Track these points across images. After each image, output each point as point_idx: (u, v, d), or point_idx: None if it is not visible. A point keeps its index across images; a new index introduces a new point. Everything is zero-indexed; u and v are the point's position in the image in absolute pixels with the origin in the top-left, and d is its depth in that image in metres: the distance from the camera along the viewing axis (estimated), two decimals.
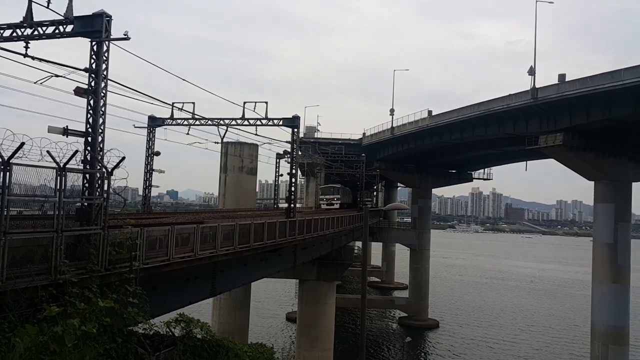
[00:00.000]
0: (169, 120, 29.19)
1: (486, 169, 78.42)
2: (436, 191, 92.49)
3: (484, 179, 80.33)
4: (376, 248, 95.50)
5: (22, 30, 13.75)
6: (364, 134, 73.06)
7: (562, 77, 37.00)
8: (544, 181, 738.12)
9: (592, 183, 41.95)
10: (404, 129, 59.33)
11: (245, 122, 28.99)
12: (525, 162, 62.22)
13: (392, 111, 65.38)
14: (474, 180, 79.96)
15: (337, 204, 62.79)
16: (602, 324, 39.80)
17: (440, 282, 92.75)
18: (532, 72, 39.28)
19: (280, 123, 29.28)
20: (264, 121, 28.79)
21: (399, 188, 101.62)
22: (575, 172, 42.54)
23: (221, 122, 29.55)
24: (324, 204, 62.59)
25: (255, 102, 28.43)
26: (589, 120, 36.62)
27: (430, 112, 54.83)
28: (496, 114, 43.35)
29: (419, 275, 68.49)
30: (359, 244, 69.45)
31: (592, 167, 40.53)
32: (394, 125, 62.20)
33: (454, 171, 74.99)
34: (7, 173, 9.85)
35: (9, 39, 13.87)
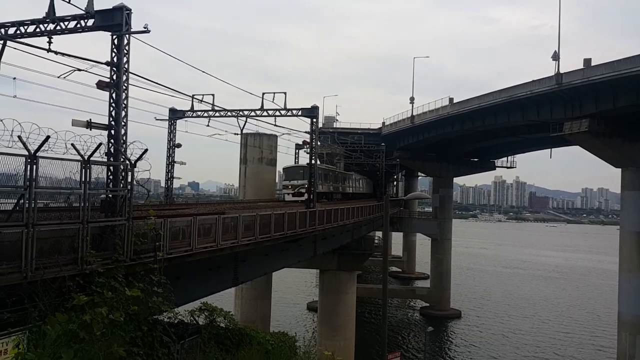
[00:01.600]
0: (189, 113, 29.44)
1: (509, 157, 77.22)
2: (458, 180, 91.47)
3: (507, 167, 79.16)
4: (397, 238, 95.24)
5: (45, 25, 13.99)
6: (383, 123, 72.59)
7: (587, 61, 36.13)
8: (568, 169, 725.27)
9: (619, 170, 41.01)
10: (425, 117, 58.76)
11: (264, 113, 29.06)
12: (549, 149, 61.20)
13: (412, 99, 64.75)
14: (496, 168, 78.87)
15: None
16: (629, 313, 39.05)
17: (462, 271, 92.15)
18: (556, 57, 38.44)
19: (299, 113, 29.30)
20: (282, 112, 28.83)
21: (419, 177, 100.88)
22: (601, 160, 41.65)
23: (240, 113, 29.69)
24: (288, 193, 43.60)
25: (274, 93, 28.50)
26: (616, 106, 35.72)
27: (451, 99, 54.19)
28: (519, 101, 42.61)
29: (440, 265, 68.13)
30: (379, 233, 69.28)
31: (619, 154, 39.59)
32: (414, 113, 61.63)
33: (476, 159, 74.11)
34: (34, 166, 10.08)
35: (33, 34, 14.13)
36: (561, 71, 37.63)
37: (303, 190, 39.72)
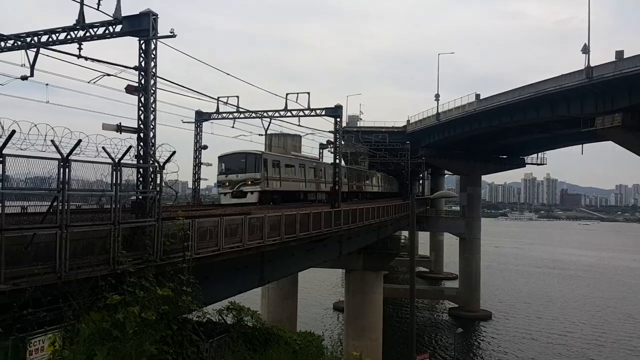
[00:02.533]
0: (214, 115, 29.86)
1: (539, 154, 75.75)
2: (486, 178, 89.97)
3: (537, 164, 77.62)
4: (424, 237, 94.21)
5: (75, 32, 14.40)
6: (408, 121, 72.09)
7: (619, 54, 35.20)
8: (601, 165, 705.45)
9: None
10: (450, 114, 58.13)
11: (288, 114, 29.27)
12: (580, 145, 59.80)
13: (437, 96, 64.20)
14: (526, 165, 77.29)
15: (256, 191, 31.25)
16: None
17: (492, 272, 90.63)
18: (585, 50, 37.66)
19: (323, 113, 29.39)
20: (306, 112, 28.98)
21: (446, 175, 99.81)
22: (636, 155, 40.51)
23: (265, 114, 29.95)
24: (225, 193, 32.04)
25: (298, 93, 28.67)
26: None
27: (478, 95, 53.52)
28: (548, 96, 41.79)
29: (469, 265, 67.14)
30: (405, 233, 68.78)
31: None
32: (440, 110, 61.03)
33: (504, 156, 72.89)
34: (67, 169, 10.40)
35: (64, 41, 14.56)
36: (591, 65, 36.81)
37: (248, 189, 30.01)
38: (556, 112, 43.22)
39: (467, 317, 60.01)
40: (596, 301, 70.52)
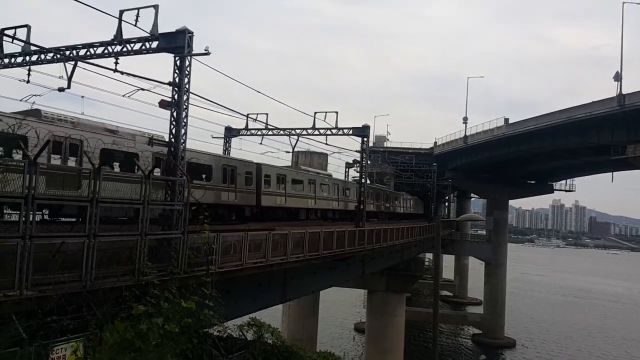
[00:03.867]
0: (243, 131, 30.27)
1: (568, 180, 74.24)
2: (513, 203, 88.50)
3: (566, 191, 76.03)
4: (448, 261, 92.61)
5: (113, 47, 14.84)
6: (435, 143, 71.64)
7: None
8: (632, 194, 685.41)
9: None
10: (478, 137, 57.57)
11: (316, 132, 29.42)
12: (611, 172, 58.35)
13: (465, 119, 63.78)
14: (554, 191, 75.86)
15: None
16: None
17: (518, 298, 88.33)
18: (617, 77, 37.04)
19: (350, 132, 29.47)
20: (334, 130, 29.10)
21: (472, 199, 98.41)
22: None
23: (292, 131, 30.18)
24: None
25: (326, 112, 28.88)
26: None
27: (507, 120, 52.99)
28: (578, 122, 41.09)
29: (494, 291, 65.67)
30: (429, 255, 67.80)
31: None
32: (467, 134, 60.54)
33: (532, 182, 71.62)
34: (97, 180, 10.63)
35: (101, 55, 15.02)
36: (624, 92, 36.16)
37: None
38: (586, 139, 42.45)
39: (491, 344, 58.52)
40: (624, 333, 67.95)
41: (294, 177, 32.82)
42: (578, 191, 77.23)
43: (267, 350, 13.89)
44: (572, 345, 60.13)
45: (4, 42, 16.77)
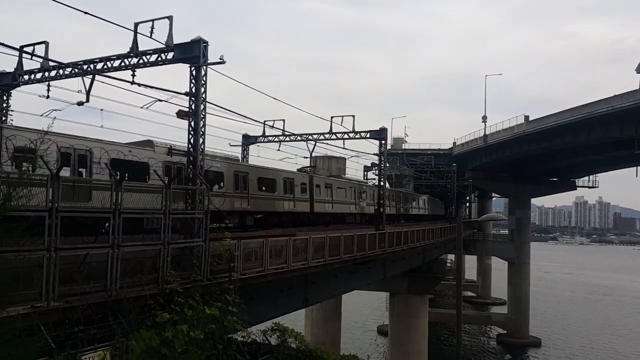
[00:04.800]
0: (261, 138, 30.41)
1: (591, 176, 72.97)
2: (535, 201, 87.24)
3: (589, 187, 74.73)
4: (470, 262, 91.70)
5: (129, 60, 15.05)
6: (454, 143, 71.11)
7: None
8: None
9: None
10: (498, 136, 56.99)
11: (333, 136, 29.41)
12: (635, 167, 57.21)
13: (484, 118, 63.21)
14: (577, 188, 74.66)
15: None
16: None
17: (542, 297, 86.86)
18: (639, 69, 36.30)
19: (368, 136, 29.37)
20: (351, 134, 29.04)
21: (493, 198, 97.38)
22: None
23: (310, 137, 30.22)
24: None
25: (342, 116, 28.82)
26: None
27: (527, 117, 52.41)
28: (600, 117, 40.40)
29: (518, 291, 64.79)
30: (451, 256, 67.21)
31: None
32: (487, 132, 59.95)
33: (554, 179, 70.58)
34: (119, 191, 10.80)
35: (118, 68, 15.25)
36: None
37: None
38: (608, 134, 41.70)
39: (516, 344, 57.72)
40: None
41: (338, 185, 36.35)
42: (601, 187, 76.12)
43: (290, 354, 13.91)
44: (597, 343, 58.96)
45: (23, 59, 17.14)
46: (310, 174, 32.38)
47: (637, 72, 36.48)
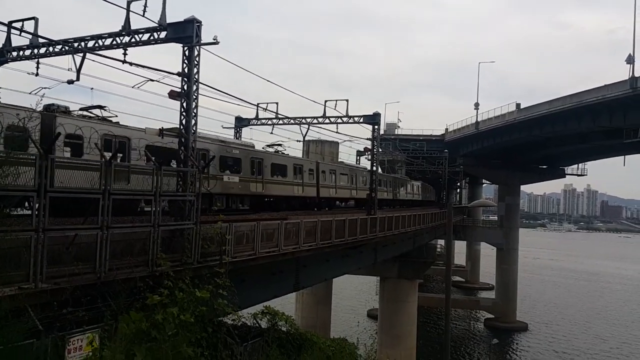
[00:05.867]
0: (254, 121, 30.15)
1: (580, 164, 73.63)
2: (525, 188, 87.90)
3: (578, 175, 75.50)
4: (460, 247, 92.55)
5: (121, 38, 14.73)
6: (446, 129, 71.14)
7: None
8: None
9: None
10: (490, 123, 57.08)
11: (327, 120, 29.24)
12: (623, 156, 57.69)
13: (476, 105, 63.17)
14: (566, 176, 75.37)
15: None
16: None
17: (529, 283, 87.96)
18: (630, 60, 36.41)
19: (361, 120, 29.25)
20: (344, 119, 28.89)
21: (484, 185, 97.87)
22: None
23: (303, 121, 30.03)
24: None
25: (336, 100, 28.61)
26: None
27: (518, 105, 52.53)
28: (590, 106, 40.57)
29: (506, 276, 65.59)
30: (441, 242, 67.72)
31: None
32: (479, 119, 60.02)
33: (544, 167, 71.07)
34: (109, 172, 10.62)
35: (110, 47, 14.92)
36: (636, 75, 35.57)
37: None
38: (598, 123, 41.95)
39: (503, 328, 58.59)
40: (636, 316, 67.60)
41: (341, 171, 38.04)
42: (590, 175, 76.68)
43: (281, 337, 13.95)
44: (583, 327, 60.10)
45: (12, 35, 16.72)
46: (317, 161, 34.25)
47: (627, 63, 36.53)
